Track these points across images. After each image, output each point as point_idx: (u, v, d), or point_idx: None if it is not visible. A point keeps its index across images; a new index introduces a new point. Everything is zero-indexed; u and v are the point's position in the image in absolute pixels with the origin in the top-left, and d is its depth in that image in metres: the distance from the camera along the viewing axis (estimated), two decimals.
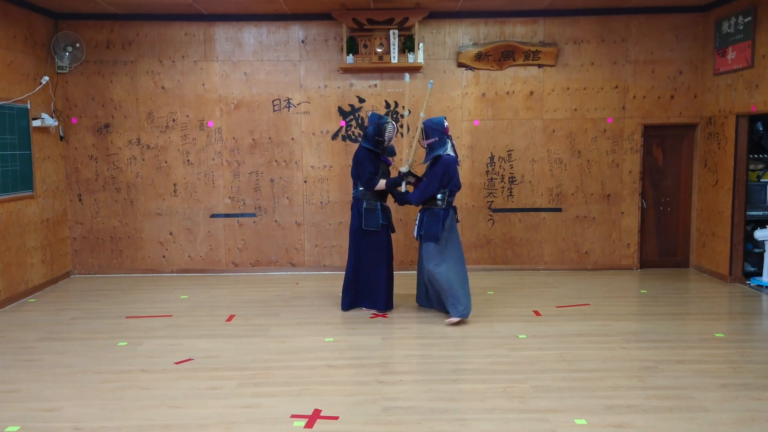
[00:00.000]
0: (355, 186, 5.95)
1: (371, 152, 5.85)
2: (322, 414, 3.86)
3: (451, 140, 5.70)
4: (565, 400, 4.03)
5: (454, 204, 5.80)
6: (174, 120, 7.60)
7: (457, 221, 5.84)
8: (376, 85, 7.59)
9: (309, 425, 3.72)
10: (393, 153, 6.20)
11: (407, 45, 7.28)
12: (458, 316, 5.58)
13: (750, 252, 7.24)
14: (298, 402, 4.03)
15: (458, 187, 5.66)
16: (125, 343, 5.21)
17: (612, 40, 7.55)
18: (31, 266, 6.83)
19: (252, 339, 5.29)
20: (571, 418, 3.78)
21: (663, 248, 7.93)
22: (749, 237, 7.17)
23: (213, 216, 7.74)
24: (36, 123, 6.86)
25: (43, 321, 5.89)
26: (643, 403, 3.97)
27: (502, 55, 7.52)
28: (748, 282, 7.01)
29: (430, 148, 5.64)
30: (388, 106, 7.61)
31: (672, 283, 7.20)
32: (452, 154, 5.63)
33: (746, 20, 6.62)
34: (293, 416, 3.83)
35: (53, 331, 5.59)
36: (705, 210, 7.56)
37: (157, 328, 5.64)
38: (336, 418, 3.81)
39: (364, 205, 5.86)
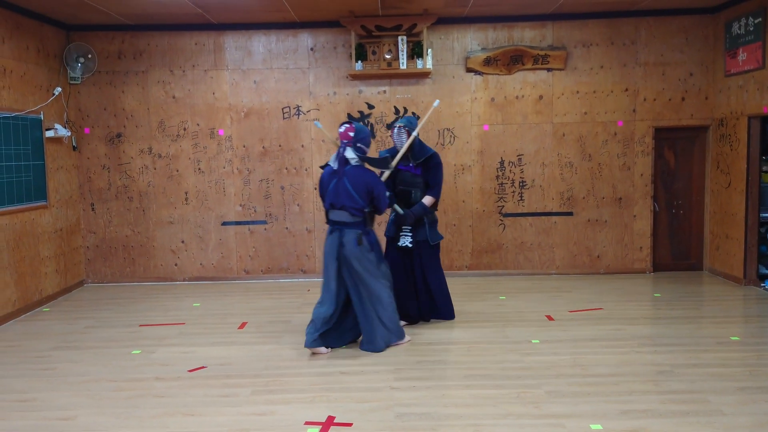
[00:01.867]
0: None
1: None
2: (335, 421, 3.85)
3: (343, 147, 4.99)
4: (580, 405, 4.00)
5: (346, 226, 4.95)
6: (185, 129, 7.65)
7: (342, 245, 4.92)
8: (385, 92, 7.61)
9: None
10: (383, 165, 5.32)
11: (416, 51, 7.29)
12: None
13: (764, 254, 7.17)
14: (311, 408, 4.03)
15: (332, 204, 4.97)
16: (139, 351, 5.23)
17: (621, 42, 7.53)
18: (45, 275, 6.88)
19: (264, 346, 5.30)
20: (586, 423, 3.75)
21: (676, 251, 7.88)
22: (763, 239, 7.11)
23: (224, 224, 7.77)
24: (49, 134, 6.92)
25: (57, 330, 5.92)
26: (658, 408, 3.94)
27: (511, 60, 7.52)
28: (762, 284, 6.94)
29: None
30: (397, 112, 7.62)
31: (685, 286, 7.15)
32: (331, 165, 5.05)
33: (756, 21, 6.58)
34: (307, 423, 3.83)
35: (67, 339, 5.63)
36: (718, 212, 7.50)
37: (170, 336, 5.66)
38: (350, 424, 3.80)
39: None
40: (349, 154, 4.97)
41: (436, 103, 5.77)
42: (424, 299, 5.73)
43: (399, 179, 5.56)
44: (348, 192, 4.91)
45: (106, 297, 7.19)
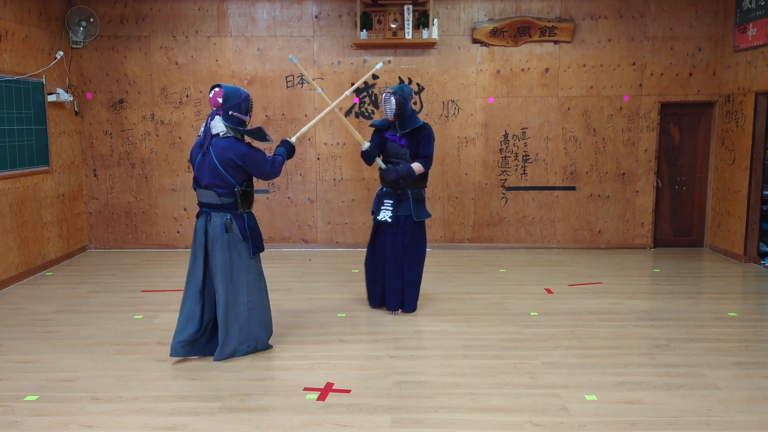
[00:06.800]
0: None
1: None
2: (334, 387, 3.90)
3: (212, 116, 4.17)
4: (576, 376, 4.05)
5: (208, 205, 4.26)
6: (187, 96, 7.61)
7: (206, 231, 4.27)
8: (390, 62, 7.54)
9: (321, 398, 3.77)
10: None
11: (421, 21, 7.21)
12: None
13: (766, 232, 7.18)
14: (310, 375, 4.09)
15: (198, 182, 4.23)
16: (141, 317, 5.28)
17: (630, 15, 7.43)
18: (47, 240, 6.92)
19: None
20: (581, 394, 3.80)
21: (677, 227, 7.88)
22: (765, 217, 7.11)
23: None
24: (51, 98, 6.89)
25: (60, 294, 5.98)
26: (653, 380, 3.98)
27: (518, 31, 7.43)
28: (762, 262, 6.96)
29: None
30: (401, 82, 7.56)
31: (686, 262, 7.17)
32: (200, 135, 4.25)
33: None
34: (306, 389, 3.88)
35: (70, 303, 5.68)
36: (721, 189, 7.48)
37: (172, 302, 5.71)
38: (348, 391, 3.86)
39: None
40: (217, 124, 4.12)
41: (379, 65, 5.29)
42: (394, 284, 5.20)
43: (387, 150, 5.18)
44: (214, 168, 4.10)
45: (108, 263, 7.23)
